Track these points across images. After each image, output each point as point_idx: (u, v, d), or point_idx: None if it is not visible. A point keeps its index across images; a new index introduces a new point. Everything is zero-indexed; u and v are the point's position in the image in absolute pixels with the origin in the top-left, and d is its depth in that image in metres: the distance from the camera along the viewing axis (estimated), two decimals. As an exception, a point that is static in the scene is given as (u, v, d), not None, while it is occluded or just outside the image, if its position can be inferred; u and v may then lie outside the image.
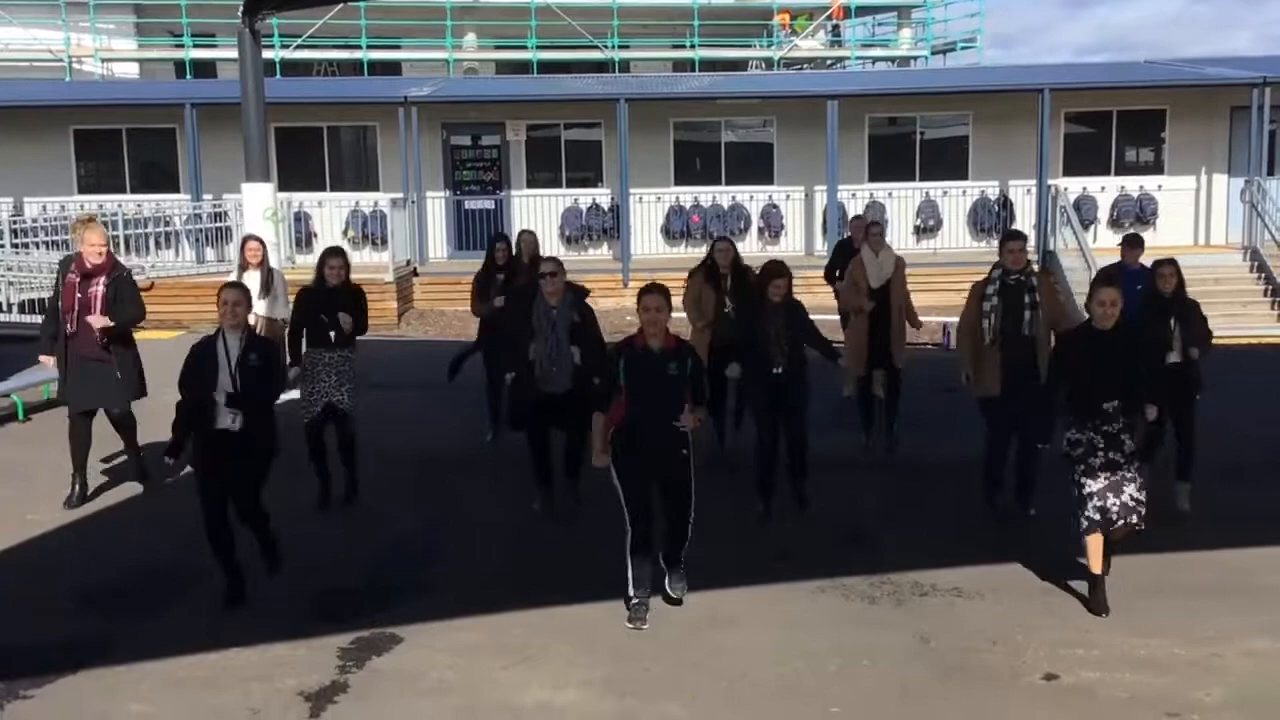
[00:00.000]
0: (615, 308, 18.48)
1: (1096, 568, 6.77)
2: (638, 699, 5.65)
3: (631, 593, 6.58)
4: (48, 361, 8.92)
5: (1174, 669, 5.93)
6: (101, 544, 7.97)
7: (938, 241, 22.17)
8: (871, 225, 10.89)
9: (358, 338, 8.90)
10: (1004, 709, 5.58)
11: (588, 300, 8.79)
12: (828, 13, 31.23)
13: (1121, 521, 6.68)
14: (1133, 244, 10.27)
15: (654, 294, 6.52)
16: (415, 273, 20.97)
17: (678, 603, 6.76)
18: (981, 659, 6.06)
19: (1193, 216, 22.72)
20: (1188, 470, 8.52)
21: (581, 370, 8.13)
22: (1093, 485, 6.71)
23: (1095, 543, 6.74)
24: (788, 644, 6.26)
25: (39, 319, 16.68)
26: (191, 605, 6.83)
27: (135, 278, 9.31)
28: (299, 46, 28.78)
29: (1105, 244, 21.32)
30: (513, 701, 5.62)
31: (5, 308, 17.60)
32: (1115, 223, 22.22)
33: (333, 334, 8.66)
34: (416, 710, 5.56)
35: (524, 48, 29.52)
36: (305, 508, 8.49)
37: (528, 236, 10.93)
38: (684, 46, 30.35)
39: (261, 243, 11.15)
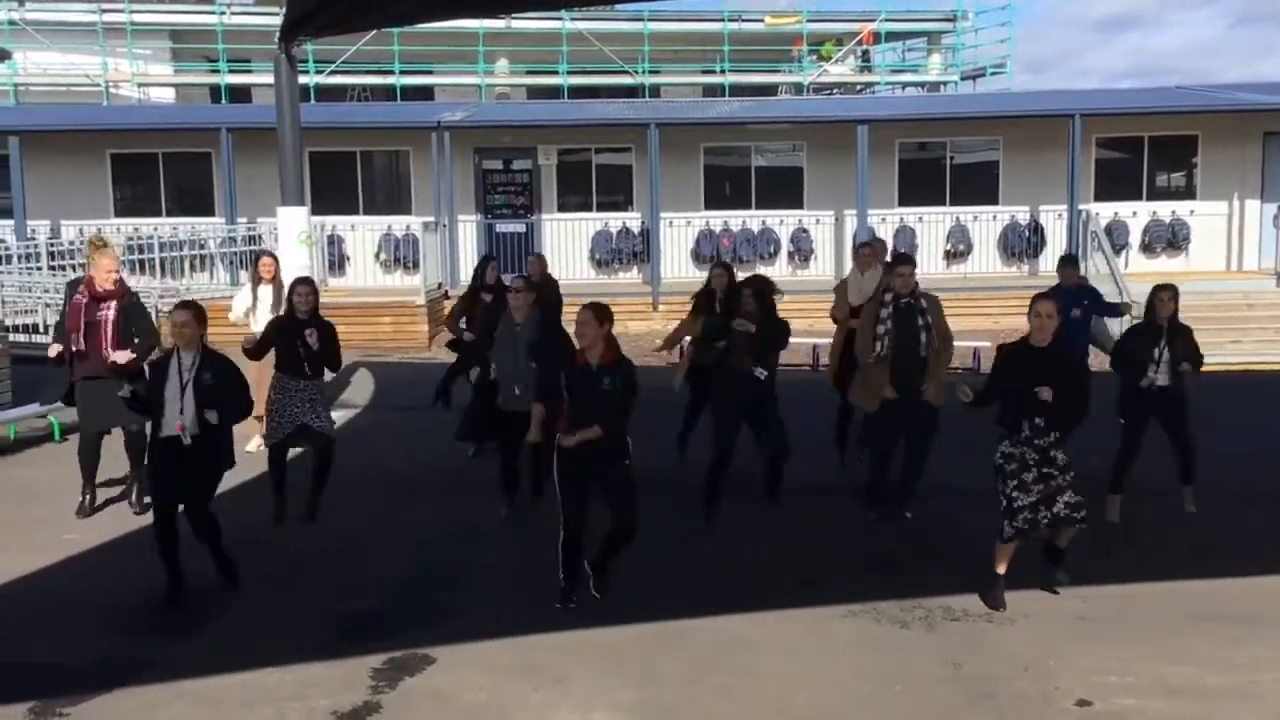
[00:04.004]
0: (645, 331, 18.53)
1: (1001, 569, 7.11)
2: (668, 722, 5.66)
3: (561, 577, 7.07)
4: (54, 350, 8.96)
5: (1208, 697, 5.89)
6: (137, 562, 8.02)
7: (968, 266, 22.15)
8: (862, 246, 10.96)
9: (330, 372, 9.03)
10: (1036, 735, 5.56)
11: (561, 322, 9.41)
12: (858, 38, 31.27)
13: (1052, 530, 7.02)
14: (1068, 264, 10.79)
15: (583, 310, 6.95)
16: (446, 295, 21.04)
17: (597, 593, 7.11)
18: (1014, 685, 6.04)
19: (1225, 242, 22.63)
20: (1191, 474, 8.93)
21: (540, 389, 8.43)
22: (1025, 499, 6.96)
23: (1010, 549, 7.08)
24: (818, 668, 6.25)
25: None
26: (226, 624, 6.89)
27: (163, 301, 9.44)
28: (333, 72, 29.05)
29: (1137, 269, 21.25)
30: (544, 723, 5.64)
31: (42, 329, 17.78)
32: (1147, 248, 22.17)
33: (306, 364, 8.73)
34: (448, 731, 5.59)
35: (555, 73, 29.69)
36: (335, 529, 8.56)
37: (534, 260, 11.09)
38: (714, 72, 30.46)
39: (274, 259, 11.39)
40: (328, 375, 9.08)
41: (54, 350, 8.97)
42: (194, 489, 7.14)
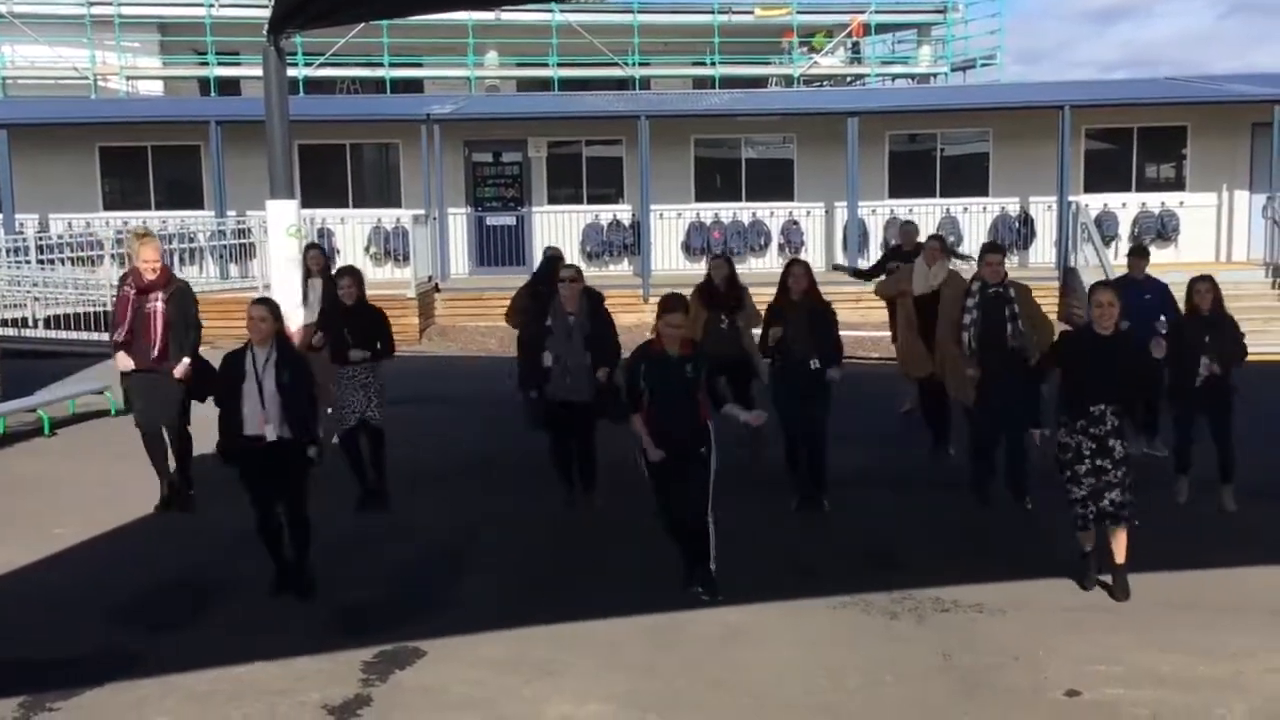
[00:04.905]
0: (636, 323, 18.48)
1: (1088, 547, 7.17)
2: (659, 715, 5.65)
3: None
4: (122, 360, 8.89)
5: (1197, 686, 5.91)
6: (127, 557, 8.03)
7: (958, 258, 22.14)
8: (930, 239, 11.05)
9: (385, 359, 9.14)
10: (1026, 726, 5.58)
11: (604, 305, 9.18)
12: (848, 30, 31.27)
13: (1107, 522, 7.00)
14: (1138, 254, 10.67)
15: (676, 312, 7.00)
16: (437, 289, 21.07)
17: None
18: (1004, 675, 6.06)
19: (1214, 233, 22.65)
20: (1229, 473, 8.91)
21: (601, 382, 8.46)
22: (1078, 491, 7.02)
23: (1088, 537, 7.15)
24: (810, 660, 6.26)
25: (64, 335, 16.97)
26: (217, 619, 6.89)
27: None
28: (322, 64, 28.96)
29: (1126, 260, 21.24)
30: (535, 716, 5.64)
31: (31, 323, 17.73)
32: (1136, 239, 22.17)
33: (351, 353, 8.90)
34: (439, 724, 5.59)
35: (545, 65, 29.64)
36: (330, 523, 8.54)
37: (551, 252, 11.00)
38: (704, 64, 30.43)
39: (322, 250, 11.52)
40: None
41: (122, 363, 8.87)
42: (285, 485, 7.04)
